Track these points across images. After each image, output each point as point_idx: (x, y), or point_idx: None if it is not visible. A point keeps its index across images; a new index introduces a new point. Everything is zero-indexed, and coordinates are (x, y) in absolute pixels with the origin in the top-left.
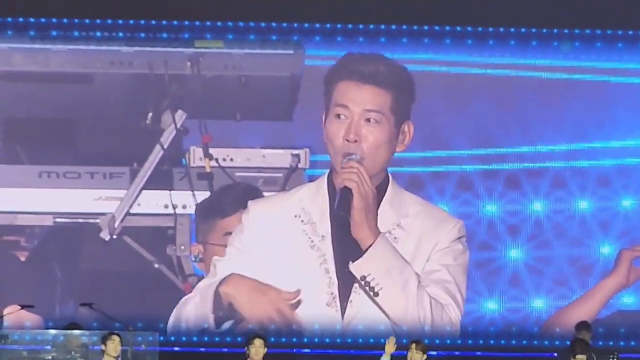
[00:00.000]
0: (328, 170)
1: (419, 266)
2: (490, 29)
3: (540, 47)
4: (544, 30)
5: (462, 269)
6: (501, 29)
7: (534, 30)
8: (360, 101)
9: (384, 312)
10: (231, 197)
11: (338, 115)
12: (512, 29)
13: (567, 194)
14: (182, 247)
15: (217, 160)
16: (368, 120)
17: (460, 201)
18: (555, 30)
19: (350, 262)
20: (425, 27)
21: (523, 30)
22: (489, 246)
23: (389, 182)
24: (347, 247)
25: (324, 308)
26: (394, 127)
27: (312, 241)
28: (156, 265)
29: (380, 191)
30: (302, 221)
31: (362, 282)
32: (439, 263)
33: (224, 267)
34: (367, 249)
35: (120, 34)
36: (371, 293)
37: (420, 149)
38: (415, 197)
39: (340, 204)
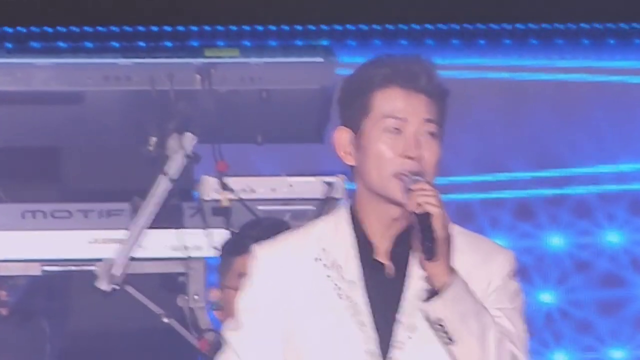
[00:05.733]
0: (348, 200)
1: None
2: (560, 26)
3: (619, 46)
4: (623, 25)
5: (519, 312)
6: (572, 25)
7: (611, 25)
8: (418, 111)
9: None
10: (254, 232)
11: (393, 130)
12: (585, 25)
13: None
14: (196, 297)
15: (235, 191)
16: (428, 134)
17: (519, 233)
18: (637, 25)
19: (423, 301)
20: (480, 26)
21: (598, 25)
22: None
23: None
24: (383, 294)
25: None
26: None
27: (339, 289)
28: (165, 320)
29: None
30: (325, 265)
31: (438, 327)
32: (496, 307)
33: (239, 344)
34: (445, 288)
35: (116, 44)
36: (446, 341)
37: (471, 172)
38: (455, 226)
39: (426, 233)
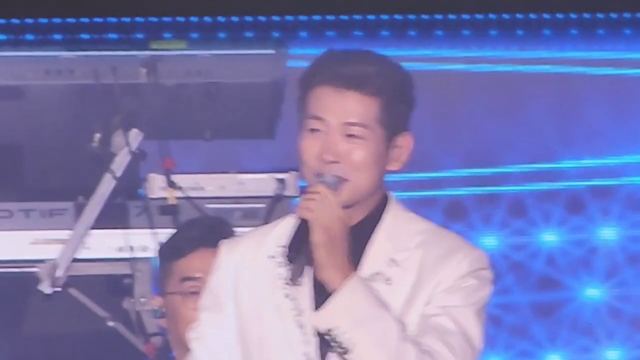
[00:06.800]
0: None
1: (416, 312)
2: (546, 16)
3: (609, 37)
4: (612, 15)
5: (474, 311)
6: (559, 16)
7: (600, 15)
8: (339, 111)
9: None
10: (193, 233)
11: (313, 130)
12: (573, 15)
13: None
14: (142, 300)
15: (182, 189)
16: (349, 136)
17: (511, 230)
18: (627, 15)
19: (312, 312)
20: (437, 17)
21: (587, 16)
22: (548, 285)
23: (385, 207)
24: (329, 296)
25: None
26: (383, 142)
27: (287, 288)
28: (110, 323)
29: (375, 219)
30: (279, 263)
31: (328, 337)
32: (439, 305)
33: (202, 352)
34: (332, 296)
35: (58, 36)
36: (340, 350)
37: (462, 167)
38: (425, 223)
39: (293, 242)
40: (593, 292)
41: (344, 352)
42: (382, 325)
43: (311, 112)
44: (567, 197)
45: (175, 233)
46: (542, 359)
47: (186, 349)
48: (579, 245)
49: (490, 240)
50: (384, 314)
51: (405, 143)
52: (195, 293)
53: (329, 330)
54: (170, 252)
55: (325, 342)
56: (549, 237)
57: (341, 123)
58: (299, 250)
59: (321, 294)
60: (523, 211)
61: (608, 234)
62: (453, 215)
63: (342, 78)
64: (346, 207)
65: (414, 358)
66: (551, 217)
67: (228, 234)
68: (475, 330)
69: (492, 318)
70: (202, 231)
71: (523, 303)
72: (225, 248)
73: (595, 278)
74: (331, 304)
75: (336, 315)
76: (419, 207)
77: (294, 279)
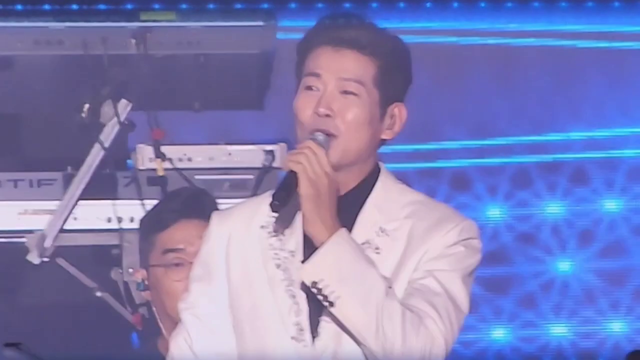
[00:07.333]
0: None
1: (404, 281)
2: None
3: (597, 10)
4: None
5: (460, 276)
6: None
7: None
8: (336, 68)
9: (344, 329)
10: (174, 205)
11: (309, 87)
12: None
13: None
14: (130, 270)
15: (171, 160)
16: (344, 92)
17: (516, 202)
18: None
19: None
20: None
21: None
22: (551, 256)
23: (377, 177)
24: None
25: (289, 342)
26: (378, 106)
27: (279, 258)
28: (98, 294)
29: (366, 188)
30: (270, 233)
31: (315, 290)
32: (425, 270)
33: (193, 322)
34: (319, 249)
35: (47, 6)
36: (326, 304)
37: (465, 138)
38: (416, 194)
39: (279, 191)
40: (595, 264)
41: (329, 306)
42: (368, 281)
43: (308, 70)
44: (571, 168)
45: (156, 205)
46: (546, 330)
47: (171, 320)
48: (583, 217)
49: (495, 211)
50: (370, 270)
51: (399, 113)
52: (178, 265)
53: (314, 283)
54: (151, 224)
55: (317, 311)
56: (553, 209)
57: (337, 79)
58: (284, 200)
59: None
60: (527, 182)
61: (611, 205)
62: (458, 186)
63: (340, 38)
64: (336, 169)
65: (399, 315)
66: (555, 188)
67: (209, 204)
68: (461, 294)
69: (496, 289)
70: (182, 203)
71: (527, 274)
72: (217, 218)
73: (598, 249)
74: (316, 257)
75: (321, 268)
76: (423, 178)
77: (278, 229)
